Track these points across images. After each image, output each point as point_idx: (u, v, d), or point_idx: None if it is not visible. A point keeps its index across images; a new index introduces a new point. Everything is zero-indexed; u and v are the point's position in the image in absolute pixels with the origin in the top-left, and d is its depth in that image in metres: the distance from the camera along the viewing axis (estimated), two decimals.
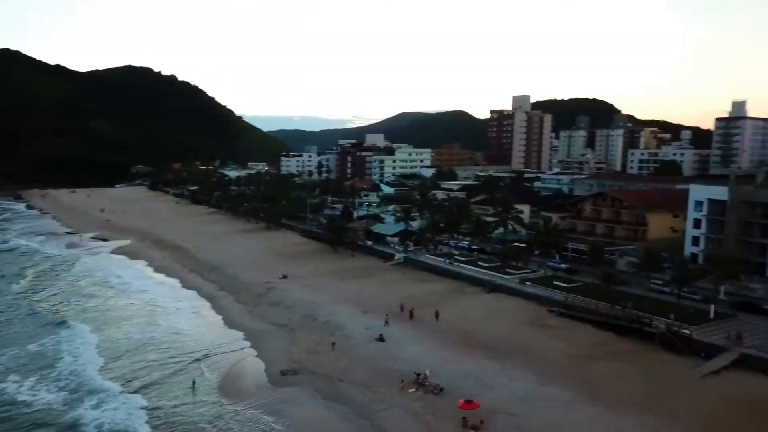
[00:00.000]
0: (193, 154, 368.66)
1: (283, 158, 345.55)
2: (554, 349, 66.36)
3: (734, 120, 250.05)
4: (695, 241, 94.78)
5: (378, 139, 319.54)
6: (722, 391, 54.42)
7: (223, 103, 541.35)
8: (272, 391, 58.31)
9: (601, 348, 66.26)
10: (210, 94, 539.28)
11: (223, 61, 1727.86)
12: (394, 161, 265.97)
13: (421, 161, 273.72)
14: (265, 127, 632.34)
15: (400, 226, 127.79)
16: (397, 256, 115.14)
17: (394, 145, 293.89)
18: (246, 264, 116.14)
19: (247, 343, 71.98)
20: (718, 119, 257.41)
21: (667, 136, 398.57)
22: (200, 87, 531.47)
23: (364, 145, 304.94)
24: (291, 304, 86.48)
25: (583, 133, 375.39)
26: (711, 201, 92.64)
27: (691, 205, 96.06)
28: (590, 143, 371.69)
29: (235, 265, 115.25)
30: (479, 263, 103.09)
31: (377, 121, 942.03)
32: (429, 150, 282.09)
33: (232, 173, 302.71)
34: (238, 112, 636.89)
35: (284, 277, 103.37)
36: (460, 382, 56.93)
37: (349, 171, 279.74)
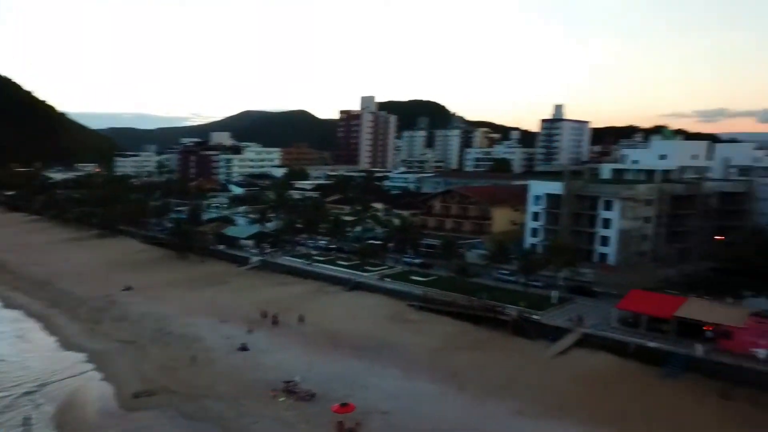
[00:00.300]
0: (7, 155, 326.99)
1: (117, 158, 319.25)
2: (417, 343, 67.92)
3: (555, 121, 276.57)
4: (534, 232, 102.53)
5: (223, 138, 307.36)
6: (570, 369, 59.22)
7: (41, 98, 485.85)
8: (124, 417, 52.59)
9: (460, 338, 69.01)
10: (26, 88, 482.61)
11: (40, 52, 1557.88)
12: (241, 161, 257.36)
13: (270, 161, 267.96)
14: (94, 125, 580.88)
15: (255, 228, 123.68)
16: (253, 259, 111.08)
17: (241, 144, 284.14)
18: (81, 276, 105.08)
19: (90, 366, 64.65)
20: (543, 120, 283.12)
21: (497, 136, 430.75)
22: (13, 80, 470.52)
23: (209, 143, 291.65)
24: (138, 318, 79.58)
25: (423, 133, 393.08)
26: (548, 195, 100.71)
27: (530, 199, 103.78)
28: (429, 143, 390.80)
29: (67, 278, 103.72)
30: (338, 262, 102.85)
31: (219, 119, 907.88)
32: (278, 149, 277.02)
33: (57, 175, 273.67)
34: (60, 108, 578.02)
35: (128, 288, 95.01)
36: (332, 386, 55.95)
37: (192, 171, 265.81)
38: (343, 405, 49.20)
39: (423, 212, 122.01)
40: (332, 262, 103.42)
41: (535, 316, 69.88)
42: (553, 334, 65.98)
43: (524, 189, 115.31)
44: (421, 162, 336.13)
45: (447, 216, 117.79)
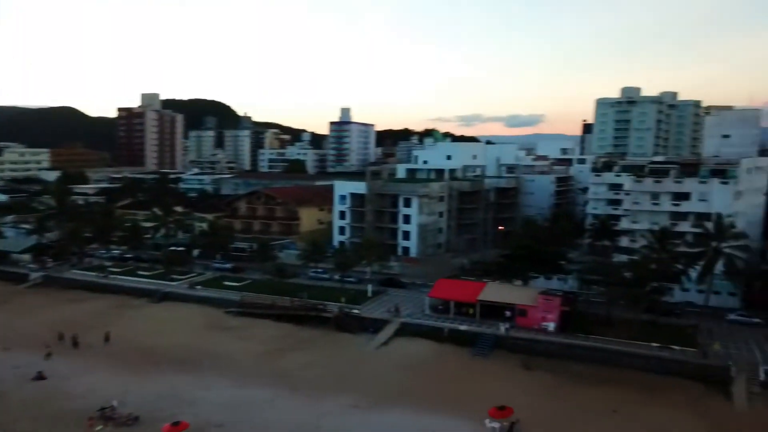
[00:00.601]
0: None
1: None
2: (242, 349, 66.35)
3: (344, 124, 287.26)
4: (342, 230, 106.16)
5: None
6: (394, 358, 62.82)
7: None
8: None
9: (286, 340, 68.99)
10: None
11: None
12: (2, 164, 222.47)
13: (38, 163, 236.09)
14: None
15: (31, 240, 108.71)
16: (33, 275, 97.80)
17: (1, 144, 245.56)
18: None
19: None
20: (332, 123, 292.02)
21: (287, 137, 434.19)
22: None
23: None
24: None
25: (212, 133, 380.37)
26: (353, 195, 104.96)
27: (336, 198, 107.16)
28: (219, 143, 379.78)
29: None
30: (139, 273, 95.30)
31: None
32: (46, 150, 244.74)
33: None
34: None
35: None
36: (156, 406, 52.05)
37: None
38: (175, 424, 46.23)
39: (227, 215, 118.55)
40: (132, 273, 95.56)
41: (355, 311, 72.63)
42: (374, 326, 69.28)
43: (328, 189, 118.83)
44: (212, 163, 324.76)
45: (253, 218, 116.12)
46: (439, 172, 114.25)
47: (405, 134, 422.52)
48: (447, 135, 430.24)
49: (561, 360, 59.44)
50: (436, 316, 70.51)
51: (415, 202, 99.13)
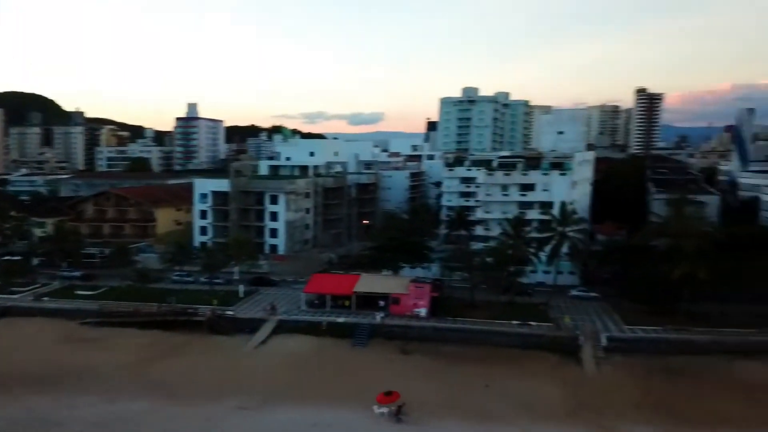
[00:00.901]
0: None
1: None
2: (107, 361, 61.92)
3: (192, 120, 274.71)
4: (203, 230, 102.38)
5: None
6: (274, 356, 62.46)
7: None
8: None
9: (155, 348, 65.44)
10: None
11: None
12: None
13: None
14: None
15: None
16: None
17: None
18: None
19: None
20: (178, 119, 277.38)
21: (126, 134, 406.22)
22: None
23: None
24: None
25: (37, 130, 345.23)
26: (214, 193, 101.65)
27: (196, 197, 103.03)
28: (46, 141, 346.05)
29: None
30: None
31: None
32: None
33: None
34: None
35: None
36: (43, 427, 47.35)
37: None
38: None
39: (71, 218, 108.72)
40: None
41: (228, 312, 70.88)
42: (250, 326, 68.16)
43: (184, 188, 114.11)
44: (40, 162, 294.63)
45: (103, 220, 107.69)
46: (303, 169, 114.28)
47: (252, 131, 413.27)
48: (295, 132, 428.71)
49: (434, 343, 63.02)
50: (312, 311, 71.07)
51: (282, 198, 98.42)
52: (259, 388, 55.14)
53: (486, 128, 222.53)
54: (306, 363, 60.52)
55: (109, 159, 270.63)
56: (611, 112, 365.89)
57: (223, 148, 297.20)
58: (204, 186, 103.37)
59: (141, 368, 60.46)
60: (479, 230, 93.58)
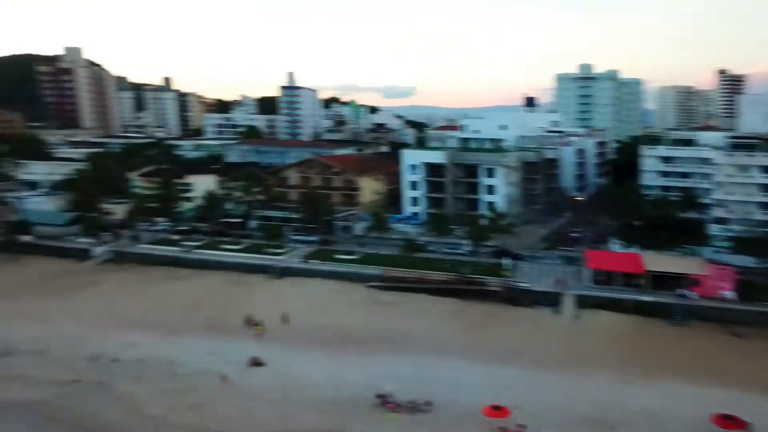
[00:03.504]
0: None
1: None
2: (429, 326, 63.79)
3: (295, 89, 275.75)
4: (413, 201, 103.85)
5: None
6: (598, 330, 63.24)
7: None
8: None
9: (467, 316, 67.05)
10: None
11: None
12: None
13: None
14: None
15: (70, 213, 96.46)
16: (97, 251, 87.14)
17: None
18: None
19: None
20: (283, 87, 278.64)
21: (212, 101, 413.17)
22: None
23: None
24: (39, 348, 56.13)
25: (130, 94, 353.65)
26: (426, 164, 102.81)
27: (405, 168, 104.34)
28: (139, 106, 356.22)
29: None
30: (223, 247, 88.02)
31: None
32: None
33: None
34: None
35: None
36: (431, 389, 49.25)
37: None
38: (495, 408, 44.25)
39: (275, 185, 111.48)
40: (214, 247, 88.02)
41: (522, 284, 72.18)
42: (547, 299, 69.40)
43: (377, 157, 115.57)
44: (139, 127, 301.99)
45: (306, 188, 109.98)
46: (495, 142, 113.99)
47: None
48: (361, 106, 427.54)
49: (757, 327, 62.89)
50: (598, 288, 71.75)
51: (500, 172, 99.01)
52: (618, 362, 55.28)
53: (607, 106, 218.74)
54: (638, 340, 61.04)
55: (218, 126, 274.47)
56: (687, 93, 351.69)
57: (320, 118, 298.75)
58: (414, 157, 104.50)
59: (473, 335, 62.11)
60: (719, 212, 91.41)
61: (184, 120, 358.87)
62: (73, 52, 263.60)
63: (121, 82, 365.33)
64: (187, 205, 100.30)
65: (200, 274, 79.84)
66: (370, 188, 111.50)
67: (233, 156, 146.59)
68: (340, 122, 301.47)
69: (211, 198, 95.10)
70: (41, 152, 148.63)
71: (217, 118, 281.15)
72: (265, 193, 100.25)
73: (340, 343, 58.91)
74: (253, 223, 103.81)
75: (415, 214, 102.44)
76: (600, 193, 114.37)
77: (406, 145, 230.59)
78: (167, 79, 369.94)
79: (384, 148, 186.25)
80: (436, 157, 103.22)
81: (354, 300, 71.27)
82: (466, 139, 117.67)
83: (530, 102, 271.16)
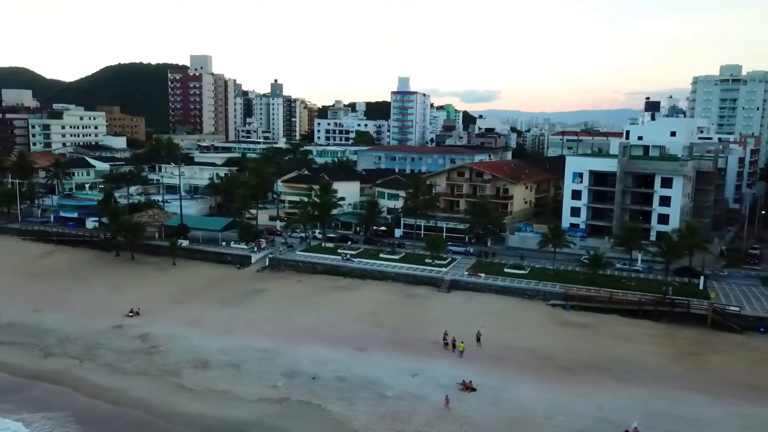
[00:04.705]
0: None
1: None
2: (639, 352, 56.97)
3: (408, 94, 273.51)
4: (574, 211, 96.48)
5: (25, 97, 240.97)
6: None
7: None
8: None
9: (673, 341, 59.87)
10: None
11: None
12: (62, 127, 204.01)
13: (95, 127, 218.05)
14: None
15: (225, 219, 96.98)
16: (255, 257, 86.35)
17: (58, 107, 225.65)
18: (3, 298, 70.81)
19: None
20: (393, 92, 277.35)
21: (316, 107, 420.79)
22: None
23: (4, 104, 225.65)
24: (232, 360, 54.30)
25: (240, 100, 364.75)
26: (592, 172, 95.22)
27: (568, 176, 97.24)
28: (247, 111, 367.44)
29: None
30: (382, 256, 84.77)
31: None
32: (102, 114, 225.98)
33: None
34: None
35: (134, 313, 65.86)
36: (674, 427, 43.00)
37: None
38: None
39: (421, 192, 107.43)
40: (370, 256, 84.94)
41: (731, 308, 63.82)
42: (761, 324, 60.87)
43: (521, 164, 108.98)
44: (248, 132, 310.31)
45: (454, 196, 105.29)
46: (661, 149, 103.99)
47: (382, 107, 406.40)
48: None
49: None
50: None
51: (678, 181, 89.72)
52: None
53: (756, 110, 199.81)
54: None
55: (327, 131, 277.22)
56: None
57: (429, 123, 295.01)
58: (580, 164, 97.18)
59: (689, 363, 54.91)
60: None
61: (289, 125, 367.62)
62: (199, 60, 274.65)
63: (276, 89, 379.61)
64: (336, 211, 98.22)
65: (363, 285, 76.82)
66: (521, 196, 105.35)
67: (363, 162, 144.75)
68: (448, 127, 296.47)
69: (367, 205, 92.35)
70: (178, 156, 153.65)
71: (327, 123, 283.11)
72: (414, 200, 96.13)
73: (545, 367, 53.53)
74: (399, 232, 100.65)
75: (576, 225, 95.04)
76: (758, 205, 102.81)
77: (525, 151, 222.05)
78: (276, 85, 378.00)
79: (508, 155, 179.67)
80: (605, 164, 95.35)
81: (538, 319, 65.55)
82: (627, 147, 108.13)
83: (653, 107, 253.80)
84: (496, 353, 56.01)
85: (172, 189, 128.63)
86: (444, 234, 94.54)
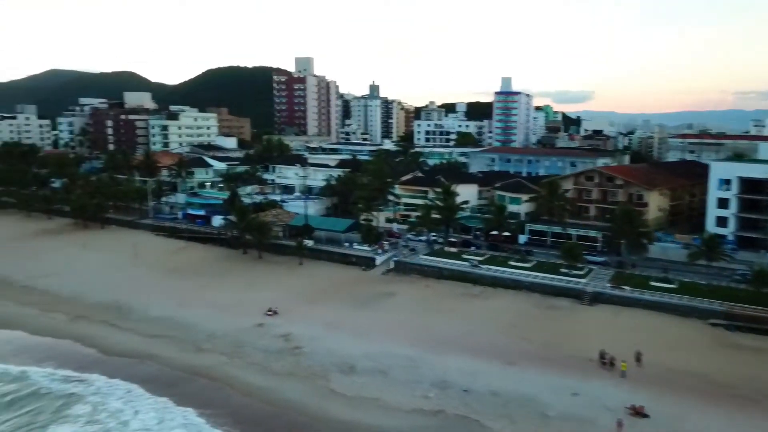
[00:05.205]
0: None
1: None
2: None
3: (512, 94, 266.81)
4: (720, 221, 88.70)
5: (144, 99, 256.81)
6: None
7: None
8: None
9: None
10: None
11: None
12: (179, 128, 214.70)
13: (208, 128, 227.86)
14: None
15: (347, 220, 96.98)
16: (380, 259, 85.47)
17: (175, 108, 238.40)
18: (147, 292, 73.93)
19: None
20: (497, 93, 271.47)
21: (412, 108, 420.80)
22: None
23: (125, 105, 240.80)
24: (374, 367, 53.04)
25: (338, 102, 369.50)
26: (742, 179, 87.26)
27: (713, 183, 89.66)
28: (345, 113, 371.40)
29: (133, 296, 72.22)
30: (512, 263, 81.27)
31: (18, 78, 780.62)
32: (214, 115, 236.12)
33: None
34: None
35: (273, 313, 66.32)
36: None
37: (111, 140, 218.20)
38: None
39: (544, 196, 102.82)
40: (498, 263, 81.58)
41: None
42: None
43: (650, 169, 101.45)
44: (347, 134, 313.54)
45: (582, 201, 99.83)
46: None
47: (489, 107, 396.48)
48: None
49: None
50: None
51: None
52: None
53: None
54: None
55: (428, 132, 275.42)
56: None
57: (532, 124, 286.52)
58: (728, 170, 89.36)
59: None
60: None
61: (386, 126, 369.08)
62: (303, 62, 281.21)
63: (373, 91, 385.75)
64: (458, 215, 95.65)
65: (495, 293, 73.73)
66: (656, 204, 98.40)
67: (476, 164, 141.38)
68: (552, 129, 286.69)
69: (495, 209, 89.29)
70: (291, 157, 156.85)
71: (427, 124, 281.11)
72: (548, 205, 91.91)
73: (723, 396, 48.26)
74: (524, 238, 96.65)
75: (722, 236, 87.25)
76: None
77: (639, 155, 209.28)
78: (374, 87, 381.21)
79: (625, 159, 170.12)
80: (760, 171, 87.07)
81: (699, 339, 59.93)
82: None
83: None
84: (662, 376, 51.28)
85: (285, 189, 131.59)
86: (573, 241, 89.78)
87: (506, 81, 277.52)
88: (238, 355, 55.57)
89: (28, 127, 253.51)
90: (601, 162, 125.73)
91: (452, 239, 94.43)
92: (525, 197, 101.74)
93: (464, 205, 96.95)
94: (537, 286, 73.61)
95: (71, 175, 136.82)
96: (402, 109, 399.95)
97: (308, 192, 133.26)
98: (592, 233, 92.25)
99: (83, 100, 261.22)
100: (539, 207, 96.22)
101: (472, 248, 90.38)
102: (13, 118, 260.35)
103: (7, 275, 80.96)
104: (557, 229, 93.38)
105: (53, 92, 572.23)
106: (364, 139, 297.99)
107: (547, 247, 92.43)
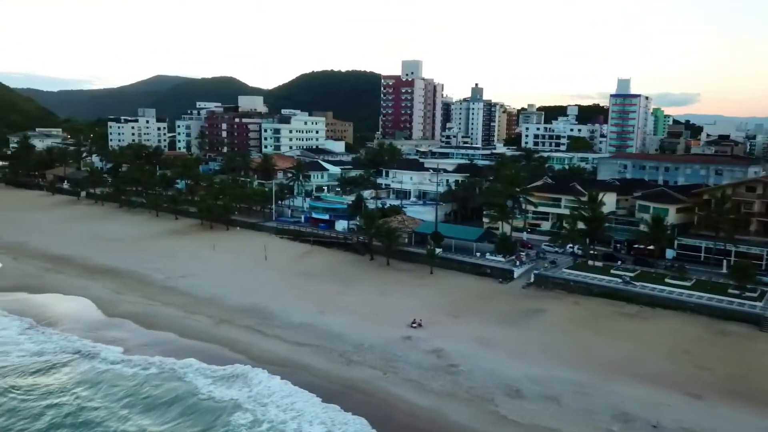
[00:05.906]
0: None
1: (112, 124, 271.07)
2: None
3: (630, 97, 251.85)
4: None
5: (257, 103, 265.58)
6: None
7: None
8: None
9: None
10: None
11: None
12: (290, 131, 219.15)
13: (316, 131, 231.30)
14: None
15: (477, 229, 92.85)
16: (518, 271, 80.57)
17: (286, 112, 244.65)
18: (285, 296, 73.26)
19: None
20: (613, 95, 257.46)
21: (514, 110, 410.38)
22: None
23: (239, 109, 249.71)
24: (541, 392, 48.31)
25: (440, 105, 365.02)
26: None
27: None
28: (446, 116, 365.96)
29: (272, 299, 72.39)
30: (668, 281, 73.81)
31: (129, 83, 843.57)
32: (323, 118, 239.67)
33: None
34: None
35: (418, 325, 63.20)
36: None
37: (225, 142, 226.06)
38: None
39: (692, 206, 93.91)
40: (653, 280, 74.31)
41: None
42: None
43: None
44: (447, 137, 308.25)
45: (744, 214, 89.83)
46: None
47: (596, 111, 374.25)
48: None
49: None
50: None
51: None
52: None
53: None
54: None
55: (536, 136, 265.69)
56: None
57: (649, 128, 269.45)
58: None
59: None
60: None
61: (488, 130, 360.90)
62: (411, 65, 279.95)
63: (476, 93, 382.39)
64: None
65: (654, 314, 66.83)
66: None
67: (605, 171, 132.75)
68: (673, 134, 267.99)
69: (653, 220, 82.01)
70: (407, 162, 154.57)
71: (536, 128, 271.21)
72: (715, 217, 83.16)
73: None
74: (671, 252, 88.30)
75: None
76: None
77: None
78: (477, 89, 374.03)
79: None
80: None
81: None
82: None
83: None
84: None
85: (397, 194, 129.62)
86: (732, 258, 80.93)
87: (623, 83, 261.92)
88: (391, 369, 52.71)
89: (147, 129, 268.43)
90: (752, 171, 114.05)
91: (592, 252, 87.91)
92: (674, 207, 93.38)
93: (610, 216, 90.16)
94: (704, 307, 66.02)
95: (194, 177, 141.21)
96: (504, 112, 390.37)
97: (423, 197, 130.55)
98: (753, 250, 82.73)
99: (199, 104, 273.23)
100: (697, 219, 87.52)
101: (619, 263, 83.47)
102: (135, 121, 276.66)
103: (147, 274, 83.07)
104: (718, 245, 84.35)
105: (162, 96, 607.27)
106: (465, 143, 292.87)
107: (700, 263, 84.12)
